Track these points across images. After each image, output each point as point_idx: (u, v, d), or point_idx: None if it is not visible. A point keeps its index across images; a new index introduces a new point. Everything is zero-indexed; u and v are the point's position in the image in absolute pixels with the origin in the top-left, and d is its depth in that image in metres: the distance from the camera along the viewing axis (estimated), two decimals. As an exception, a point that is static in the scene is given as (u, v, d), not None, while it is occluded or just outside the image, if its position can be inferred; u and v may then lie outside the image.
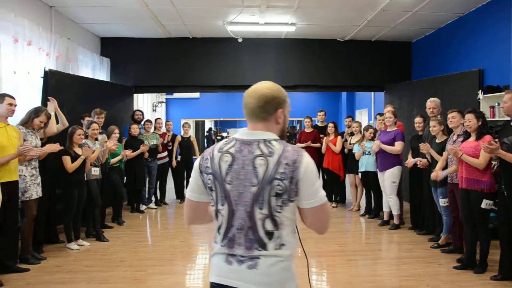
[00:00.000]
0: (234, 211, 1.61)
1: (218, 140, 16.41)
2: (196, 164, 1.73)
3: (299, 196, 1.58)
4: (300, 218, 1.67)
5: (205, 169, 1.67)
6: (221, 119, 15.86)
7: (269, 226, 1.58)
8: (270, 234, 1.58)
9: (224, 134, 16.36)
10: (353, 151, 7.17)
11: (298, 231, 1.70)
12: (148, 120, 7.84)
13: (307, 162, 1.57)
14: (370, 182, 6.77)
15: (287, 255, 1.60)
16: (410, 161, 5.81)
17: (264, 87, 1.68)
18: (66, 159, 5.08)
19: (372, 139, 6.73)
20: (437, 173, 4.90)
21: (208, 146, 16.02)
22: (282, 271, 1.59)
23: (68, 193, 5.19)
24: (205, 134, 16.27)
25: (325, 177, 7.90)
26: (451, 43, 7.35)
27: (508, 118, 4.09)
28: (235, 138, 1.67)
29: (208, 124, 16.35)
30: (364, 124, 11.25)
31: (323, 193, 1.61)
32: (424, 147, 5.22)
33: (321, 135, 7.91)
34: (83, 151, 5.26)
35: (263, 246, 1.58)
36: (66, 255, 5.03)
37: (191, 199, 1.75)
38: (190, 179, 1.75)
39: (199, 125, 16.00)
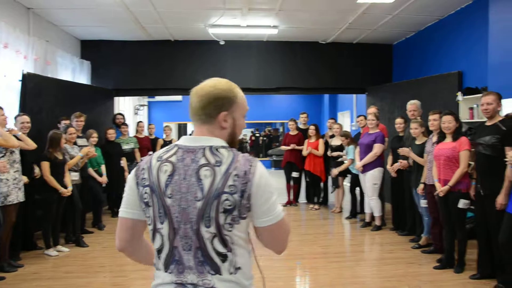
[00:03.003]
0: (176, 229, 1.36)
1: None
2: (131, 175, 1.47)
3: (252, 212, 1.36)
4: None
5: (142, 181, 1.41)
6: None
7: (218, 247, 1.34)
8: (223, 256, 1.35)
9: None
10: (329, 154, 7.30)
11: (253, 249, 1.48)
12: (124, 124, 7.76)
13: (261, 173, 1.35)
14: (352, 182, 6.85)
15: (248, 280, 1.39)
16: (391, 168, 5.86)
17: (209, 85, 1.44)
18: (45, 165, 4.99)
19: (349, 144, 6.87)
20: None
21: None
22: None
23: (47, 198, 5.09)
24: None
25: (307, 179, 7.94)
26: (431, 45, 7.45)
27: (485, 119, 4.14)
28: (177, 145, 1.43)
29: (191, 127, 16.29)
30: (346, 126, 11.37)
31: (279, 208, 1.38)
32: (403, 151, 5.28)
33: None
34: (82, 150, 5.46)
35: (217, 270, 1.34)
36: (44, 262, 4.93)
37: (125, 217, 1.47)
38: (124, 193, 1.48)
39: (182, 128, 15.92)
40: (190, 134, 1.52)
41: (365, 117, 6.72)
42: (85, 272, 4.60)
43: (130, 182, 1.46)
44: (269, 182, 1.37)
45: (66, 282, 4.31)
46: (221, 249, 1.35)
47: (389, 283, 4.22)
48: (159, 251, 1.40)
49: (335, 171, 7.07)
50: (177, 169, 1.37)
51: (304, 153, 7.70)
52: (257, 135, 16.68)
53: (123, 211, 1.48)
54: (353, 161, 6.69)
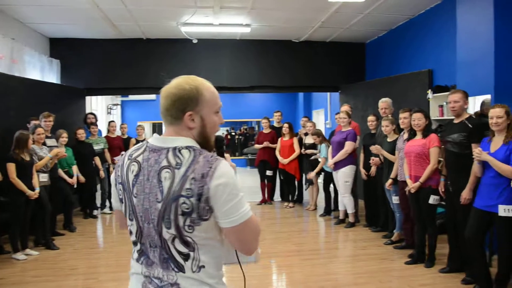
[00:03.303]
0: (142, 228, 1.39)
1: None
2: (114, 171, 1.53)
3: (214, 213, 1.33)
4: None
5: (117, 178, 1.46)
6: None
7: (180, 247, 1.35)
8: (185, 255, 1.35)
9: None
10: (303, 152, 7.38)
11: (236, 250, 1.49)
12: (93, 124, 7.62)
13: (221, 174, 1.31)
14: (325, 180, 6.92)
15: (213, 279, 1.38)
16: (363, 170, 6.01)
17: (172, 85, 1.41)
18: (10, 166, 4.83)
19: (321, 142, 6.97)
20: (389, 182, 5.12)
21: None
22: None
23: (14, 201, 4.93)
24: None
25: (281, 178, 7.96)
26: (402, 44, 7.56)
27: (452, 117, 4.23)
28: (147, 144, 1.44)
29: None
30: (320, 124, 11.46)
31: (245, 209, 1.34)
32: (374, 149, 5.35)
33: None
34: (51, 151, 5.38)
35: (180, 268, 1.36)
36: (12, 266, 4.78)
37: (115, 208, 1.57)
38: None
39: (156, 128, 15.74)
40: None
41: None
42: (55, 276, 4.47)
43: (112, 177, 1.52)
44: (230, 183, 1.32)
45: (34, 286, 4.18)
46: (182, 249, 1.35)
47: (362, 279, 4.26)
48: (134, 243, 1.46)
49: (312, 174, 7.10)
50: (142, 169, 1.38)
51: (277, 151, 7.73)
52: (233, 133, 16.63)
53: (113, 202, 1.57)
54: (326, 159, 6.74)
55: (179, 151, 1.36)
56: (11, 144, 4.99)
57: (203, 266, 1.36)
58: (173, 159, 1.35)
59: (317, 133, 7.07)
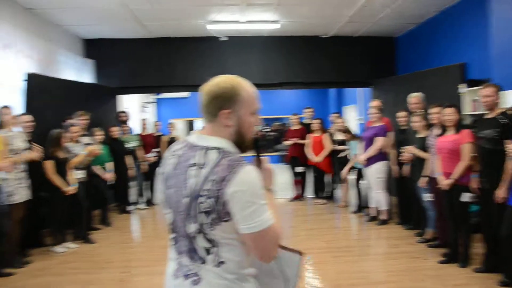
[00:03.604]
0: (175, 218, 1.49)
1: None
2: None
3: (233, 217, 1.36)
4: None
5: (161, 169, 1.55)
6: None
7: (202, 242, 1.42)
8: (207, 250, 1.42)
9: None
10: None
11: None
12: (124, 122, 7.78)
13: (240, 181, 1.32)
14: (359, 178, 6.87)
15: (232, 274, 1.43)
16: (394, 167, 5.95)
17: (212, 83, 1.47)
18: (48, 164, 5.03)
19: (350, 139, 6.89)
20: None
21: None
22: None
23: (52, 197, 5.15)
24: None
25: (314, 174, 7.95)
26: (433, 37, 7.38)
27: (484, 112, 4.12)
28: (187, 140, 1.53)
29: (199, 124, 16.30)
30: (352, 120, 11.34)
31: (263, 218, 1.34)
32: (407, 151, 5.25)
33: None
34: (86, 148, 5.64)
35: (203, 260, 1.43)
36: (52, 258, 5.00)
37: (158, 200, 1.64)
38: None
39: (190, 125, 15.94)
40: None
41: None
42: (91, 268, 4.66)
43: (158, 170, 1.61)
44: (248, 191, 1.33)
45: (72, 277, 4.37)
46: (205, 244, 1.42)
47: (394, 277, 4.22)
48: (170, 231, 1.54)
49: (344, 173, 7.03)
50: (178, 163, 1.47)
51: (307, 147, 7.71)
52: (265, 130, 16.63)
53: (158, 194, 1.64)
54: (355, 156, 6.70)
55: (208, 151, 1.42)
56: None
57: (223, 262, 1.41)
58: (202, 158, 1.41)
59: (346, 130, 7.00)
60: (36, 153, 4.79)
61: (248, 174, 1.35)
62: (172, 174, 1.47)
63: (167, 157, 1.54)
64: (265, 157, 1.58)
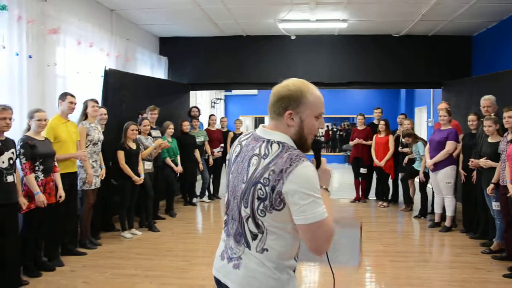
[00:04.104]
0: (229, 201, 1.62)
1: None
2: None
3: (287, 208, 1.45)
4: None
5: (228, 155, 1.72)
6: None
7: (251, 227, 1.52)
8: (254, 235, 1.52)
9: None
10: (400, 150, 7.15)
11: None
12: (195, 117, 8.07)
13: (298, 174, 1.42)
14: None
15: (272, 263, 1.51)
16: (462, 172, 5.74)
17: (282, 84, 1.59)
18: (120, 154, 5.44)
19: (414, 142, 6.71)
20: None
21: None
22: (265, 277, 1.51)
23: (122, 185, 5.55)
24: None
25: (377, 176, 7.80)
26: (513, 36, 6.90)
27: None
28: (253, 132, 1.66)
29: (268, 121, 16.49)
30: (423, 121, 10.89)
31: (318, 211, 1.42)
32: (482, 164, 4.98)
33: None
34: (155, 142, 5.98)
35: (247, 245, 1.54)
36: (120, 243, 5.41)
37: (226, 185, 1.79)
38: None
39: (258, 122, 16.21)
40: None
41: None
42: (154, 255, 4.96)
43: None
44: (304, 185, 1.42)
45: (136, 262, 4.69)
46: (253, 229, 1.52)
47: (451, 287, 4.06)
48: (225, 213, 1.70)
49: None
50: (242, 152, 1.61)
51: (372, 148, 7.57)
52: (334, 129, 16.47)
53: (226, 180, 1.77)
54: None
55: (271, 144, 1.53)
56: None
57: (266, 250, 1.51)
58: (264, 149, 1.52)
59: (408, 134, 6.79)
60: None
61: (306, 168, 1.44)
62: (235, 161, 1.61)
63: (234, 146, 1.69)
64: (324, 158, 1.69)
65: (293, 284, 1.57)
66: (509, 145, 4.37)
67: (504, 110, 4.62)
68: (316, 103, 1.56)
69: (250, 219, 1.51)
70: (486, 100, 5.29)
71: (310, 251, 1.50)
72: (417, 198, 7.09)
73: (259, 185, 1.47)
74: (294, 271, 1.60)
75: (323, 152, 16.25)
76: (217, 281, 1.66)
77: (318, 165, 1.65)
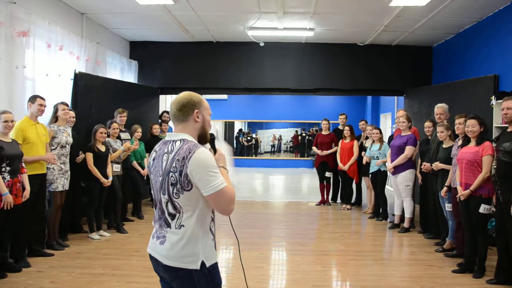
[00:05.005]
0: (154, 195, 2.03)
1: (247, 141, 16.73)
2: None
3: (195, 186, 1.86)
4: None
5: (148, 161, 2.13)
6: (250, 120, 16.17)
7: (170, 209, 1.93)
8: (172, 216, 1.93)
9: (254, 135, 16.62)
10: (362, 155, 7.42)
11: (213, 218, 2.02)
12: (166, 122, 8.17)
13: (196, 158, 1.84)
14: (378, 183, 6.95)
15: (188, 235, 1.91)
16: (419, 175, 6.06)
17: (179, 96, 2.03)
18: (89, 156, 5.50)
19: (378, 141, 7.01)
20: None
21: (237, 147, 16.43)
22: (184, 247, 1.91)
23: (90, 187, 5.60)
24: (235, 135, 16.59)
25: (340, 179, 8.07)
26: (469, 48, 7.33)
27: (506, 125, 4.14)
28: (163, 140, 2.07)
29: (238, 125, 16.62)
30: (387, 127, 11.29)
31: (218, 183, 1.84)
32: (434, 167, 5.30)
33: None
34: (123, 145, 6.05)
35: (168, 225, 1.94)
36: (88, 244, 5.46)
37: None
38: None
39: (227, 126, 16.34)
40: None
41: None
42: (121, 255, 5.04)
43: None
44: (203, 164, 1.84)
45: (103, 262, 4.76)
46: (171, 210, 1.94)
47: (404, 282, 4.31)
48: (154, 205, 2.10)
49: (364, 157, 7.24)
50: (156, 155, 2.02)
51: (338, 154, 7.85)
52: (303, 134, 16.76)
53: None
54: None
55: (175, 142, 1.96)
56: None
57: (183, 225, 1.92)
58: (171, 147, 1.95)
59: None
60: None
61: (202, 153, 1.88)
62: (153, 164, 2.01)
63: (151, 153, 2.10)
64: (218, 146, 2.20)
65: (209, 250, 1.96)
66: (459, 150, 4.68)
67: (456, 117, 4.94)
68: (207, 106, 2.07)
69: (169, 203, 1.92)
70: (439, 108, 5.63)
71: (220, 213, 1.93)
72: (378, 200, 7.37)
73: (170, 174, 1.88)
74: (212, 239, 2.01)
75: (292, 157, 16.56)
76: (151, 257, 2.05)
77: (215, 152, 2.15)
